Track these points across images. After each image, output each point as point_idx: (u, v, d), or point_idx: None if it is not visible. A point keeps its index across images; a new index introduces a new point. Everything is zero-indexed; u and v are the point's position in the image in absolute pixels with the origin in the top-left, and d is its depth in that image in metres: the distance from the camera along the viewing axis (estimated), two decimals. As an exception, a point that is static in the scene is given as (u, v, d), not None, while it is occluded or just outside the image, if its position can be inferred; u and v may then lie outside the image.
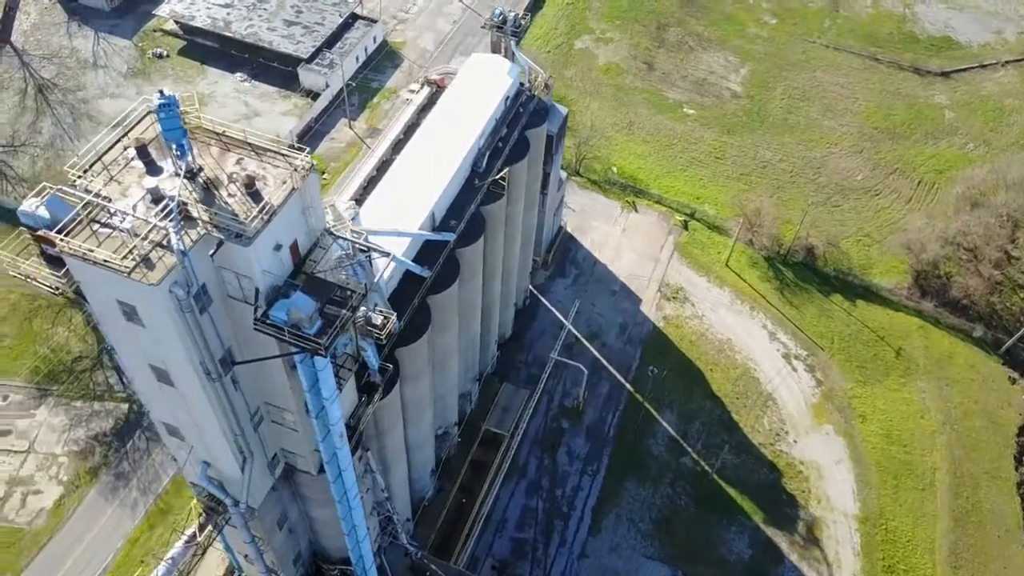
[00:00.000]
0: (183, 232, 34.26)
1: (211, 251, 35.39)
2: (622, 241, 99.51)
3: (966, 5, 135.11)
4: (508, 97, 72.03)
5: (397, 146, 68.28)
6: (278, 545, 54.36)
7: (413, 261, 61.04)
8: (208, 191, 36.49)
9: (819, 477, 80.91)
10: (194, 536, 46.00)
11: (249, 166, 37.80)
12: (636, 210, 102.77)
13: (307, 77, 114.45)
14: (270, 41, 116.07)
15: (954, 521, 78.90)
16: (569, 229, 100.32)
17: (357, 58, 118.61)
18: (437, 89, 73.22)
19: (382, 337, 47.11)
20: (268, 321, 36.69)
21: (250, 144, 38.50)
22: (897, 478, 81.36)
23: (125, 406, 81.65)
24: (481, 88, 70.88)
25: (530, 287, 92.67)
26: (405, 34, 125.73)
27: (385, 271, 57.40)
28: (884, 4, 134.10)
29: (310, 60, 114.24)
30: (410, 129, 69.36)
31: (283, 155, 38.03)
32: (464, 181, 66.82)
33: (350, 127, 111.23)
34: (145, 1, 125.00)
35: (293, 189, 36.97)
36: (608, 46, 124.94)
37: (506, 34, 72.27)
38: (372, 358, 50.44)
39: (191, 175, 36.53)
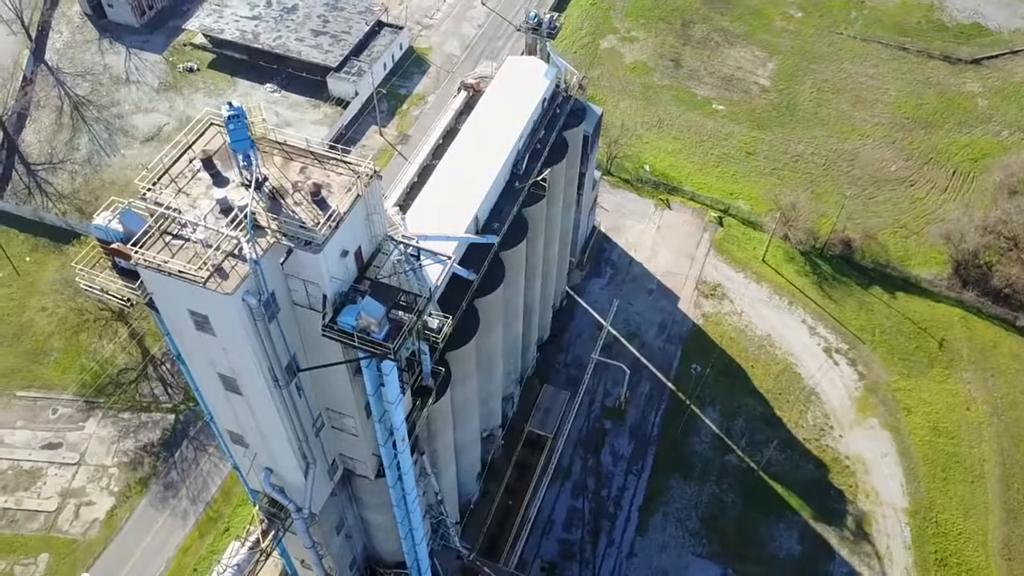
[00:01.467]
0: (255, 241, 34.70)
1: (281, 259, 35.80)
2: (657, 239, 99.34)
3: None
4: (545, 99, 72.20)
5: (437, 151, 68.62)
6: (336, 550, 54.83)
7: (460, 264, 61.61)
8: (275, 200, 36.96)
9: (866, 471, 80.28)
10: (258, 542, 46.38)
11: (313, 174, 38.23)
12: (670, 207, 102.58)
13: (336, 86, 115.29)
14: (298, 51, 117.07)
15: (1006, 513, 77.97)
16: (603, 229, 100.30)
17: (384, 65, 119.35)
18: (474, 93, 73.49)
19: (439, 340, 47.48)
20: (337, 327, 37.07)
21: (312, 153, 38.98)
22: (945, 471, 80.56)
23: (172, 416, 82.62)
24: (518, 90, 71.07)
25: (567, 288, 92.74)
26: (430, 40, 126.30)
27: (440, 276, 57.94)
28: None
29: (338, 69, 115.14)
30: (449, 134, 69.67)
31: (346, 163, 38.45)
32: (505, 184, 67.08)
33: (380, 134, 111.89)
34: (174, 16, 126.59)
35: (358, 196, 37.34)
36: (634, 45, 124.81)
37: (541, 36, 72.42)
38: (427, 362, 50.84)
39: (258, 185, 36.99)
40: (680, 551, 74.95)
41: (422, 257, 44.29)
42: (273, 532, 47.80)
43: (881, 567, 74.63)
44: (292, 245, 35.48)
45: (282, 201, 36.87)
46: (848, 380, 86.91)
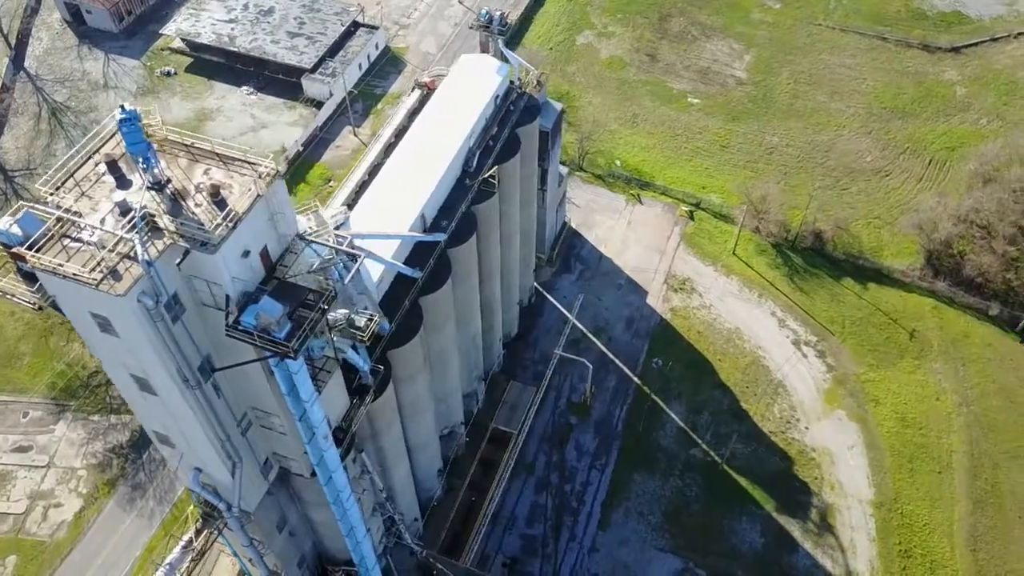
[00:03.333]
0: (149, 243, 35.04)
1: (177, 260, 36.11)
2: (628, 234, 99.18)
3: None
4: (498, 96, 72.27)
5: (388, 150, 68.94)
6: (279, 548, 55.18)
7: (405, 262, 61.83)
8: (176, 202, 37.27)
9: (832, 463, 79.90)
10: (190, 542, 46.80)
11: (216, 175, 38.51)
12: (641, 202, 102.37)
13: (311, 87, 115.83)
14: (274, 54, 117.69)
15: (973, 503, 77.39)
16: (573, 225, 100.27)
17: (360, 65, 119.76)
18: (428, 92, 73.71)
19: (365, 339, 47.74)
20: (240, 327, 37.36)
21: (217, 154, 39.22)
22: (913, 461, 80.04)
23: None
24: (470, 88, 71.24)
25: (535, 284, 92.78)
26: (407, 39, 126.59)
27: (375, 274, 58.23)
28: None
29: (313, 70, 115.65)
30: (401, 132, 69.95)
31: (249, 163, 38.69)
32: (455, 181, 67.24)
33: (354, 134, 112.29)
34: (153, 21, 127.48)
35: (258, 196, 37.59)
36: (610, 40, 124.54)
37: (492, 34, 72.52)
38: (360, 360, 51.11)
39: (159, 187, 37.32)
40: (642, 545, 74.91)
41: (342, 255, 44.51)
42: (207, 531, 48.13)
43: (844, 559, 74.29)
44: (188, 246, 35.76)
45: (183, 203, 37.17)
46: (817, 372, 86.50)
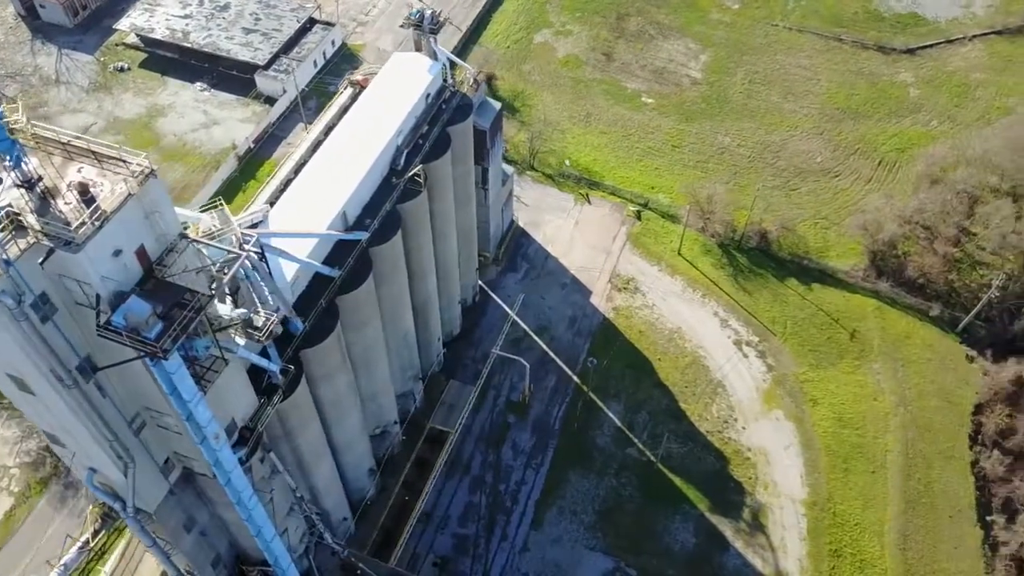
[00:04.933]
0: (10, 241, 34.66)
1: (40, 259, 35.74)
2: (575, 234, 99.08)
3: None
4: (429, 94, 72.02)
5: (316, 147, 68.56)
6: (188, 548, 54.84)
7: (325, 261, 61.58)
8: (45, 200, 36.88)
9: (767, 463, 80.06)
10: (87, 542, 46.42)
11: (89, 174, 38.13)
12: (589, 202, 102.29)
13: (264, 83, 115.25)
14: (228, 50, 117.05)
15: (905, 503, 77.66)
16: (521, 224, 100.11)
17: (315, 62, 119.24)
18: (360, 90, 73.35)
19: (262, 339, 47.49)
20: (110, 327, 37.02)
21: (93, 152, 38.79)
22: (847, 461, 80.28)
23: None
24: (401, 86, 70.98)
25: (479, 283, 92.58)
26: (364, 36, 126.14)
27: (290, 273, 57.90)
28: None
29: (267, 66, 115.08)
30: (330, 130, 69.58)
31: (123, 161, 38.30)
32: (382, 179, 66.99)
33: (307, 131, 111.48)
34: (109, 16, 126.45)
35: (129, 195, 37.23)
36: (568, 39, 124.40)
37: (424, 32, 72.12)
38: (263, 359, 50.82)
39: (29, 185, 36.92)
40: (573, 545, 74.88)
41: (245, 253, 44.26)
42: (104, 531, 47.75)
43: (775, 559, 74.47)
44: (52, 245, 35.40)
45: (52, 201, 36.79)
46: (756, 372, 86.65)
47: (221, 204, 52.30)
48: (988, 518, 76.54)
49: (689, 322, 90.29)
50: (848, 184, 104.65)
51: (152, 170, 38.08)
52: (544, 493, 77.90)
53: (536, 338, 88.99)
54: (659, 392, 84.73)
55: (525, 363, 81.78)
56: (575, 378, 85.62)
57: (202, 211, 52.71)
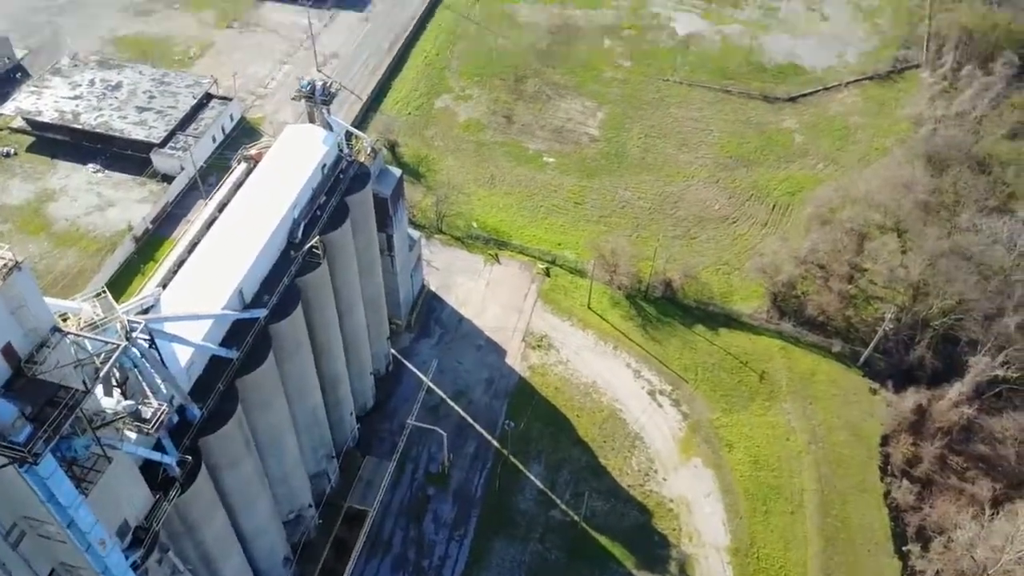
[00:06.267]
0: None
1: None
2: (486, 294, 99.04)
3: (808, 32, 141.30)
4: (325, 165, 71.48)
5: (211, 225, 66.77)
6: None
7: (223, 342, 59.42)
8: None
9: (689, 513, 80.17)
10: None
11: (-54, 273, 35.85)
12: (499, 262, 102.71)
13: (161, 161, 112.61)
14: (121, 129, 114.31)
15: (825, 541, 78.72)
16: (433, 287, 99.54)
17: (214, 138, 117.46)
18: (254, 164, 72.21)
19: (151, 432, 45.17)
20: (-27, 435, 34.42)
21: (-48, 248, 36.58)
22: (767, 503, 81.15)
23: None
24: (295, 159, 70.24)
25: (392, 352, 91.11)
26: (264, 109, 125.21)
27: (183, 358, 55.56)
28: (732, 38, 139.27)
29: (163, 144, 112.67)
30: (224, 207, 68.00)
31: (-16, 257, 36.21)
32: (280, 254, 65.59)
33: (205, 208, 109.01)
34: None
35: (-10, 292, 35.14)
36: (468, 103, 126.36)
37: (316, 103, 71.88)
38: (155, 453, 48.30)
39: None
40: (502, 616, 72.84)
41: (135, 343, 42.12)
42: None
43: (704, 610, 74.05)
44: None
45: (-96, 305, 34.33)
46: (672, 421, 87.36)
47: (104, 292, 50.09)
48: (904, 548, 78.16)
49: (603, 375, 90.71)
50: (745, 229, 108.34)
51: (17, 262, 36.14)
52: (469, 565, 75.82)
53: (453, 404, 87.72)
54: (578, 449, 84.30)
55: (442, 432, 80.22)
56: (494, 442, 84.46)
57: (83, 300, 50.31)
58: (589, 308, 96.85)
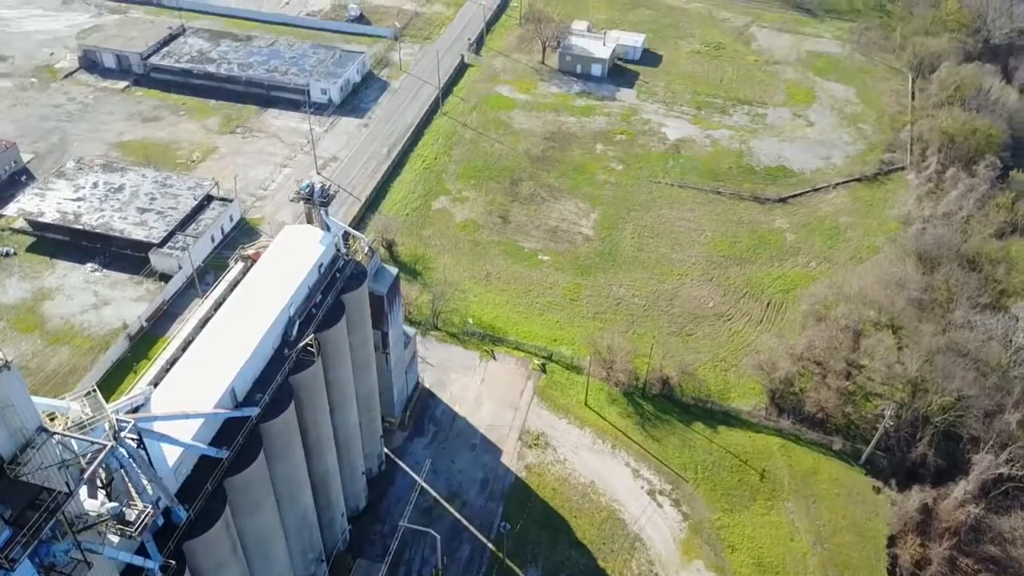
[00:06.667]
0: None
1: None
2: (482, 391, 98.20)
3: (795, 136, 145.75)
4: (322, 264, 72.16)
5: (205, 323, 66.84)
6: None
7: (214, 441, 58.49)
8: None
9: (693, 619, 77.13)
10: None
11: (-66, 369, 35.56)
12: (495, 358, 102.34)
13: (159, 261, 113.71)
14: (122, 229, 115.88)
15: (835, 649, 75.46)
16: (427, 384, 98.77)
17: (212, 238, 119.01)
18: (251, 264, 72.93)
19: (135, 535, 43.86)
20: (-51, 537, 33.34)
21: (-58, 345, 36.38)
22: (773, 609, 78.18)
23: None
24: (292, 258, 71.00)
25: (385, 451, 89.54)
26: (263, 210, 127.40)
27: (172, 457, 54.53)
28: (721, 142, 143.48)
29: (162, 244, 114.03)
30: (219, 305, 68.23)
31: (-29, 354, 36.00)
32: (274, 351, 65.42)
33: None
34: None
35: (-25, 390, 34.76)
36: (465, 204, 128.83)
37: (315, 204, 73.26)
38: (138, 558, 46.73)
39: None
40: None
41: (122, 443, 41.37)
42: None
43: None
44: None
45: None
46: (672, 522, 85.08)
47: (94, 390, 49.66)
48: (918, 656, 74.90)
49: (601, 475, 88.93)
50: (741, 326, 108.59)
51: (6, 362, 35.86)
52: (463, 677, 72.22)
53: (447, 505, 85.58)
54: (577, 552, 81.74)
55: (436, 534, 77.85)
56: (490, 545, 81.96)
57: (72, 399, 49.75)
58: (586, 405, 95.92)
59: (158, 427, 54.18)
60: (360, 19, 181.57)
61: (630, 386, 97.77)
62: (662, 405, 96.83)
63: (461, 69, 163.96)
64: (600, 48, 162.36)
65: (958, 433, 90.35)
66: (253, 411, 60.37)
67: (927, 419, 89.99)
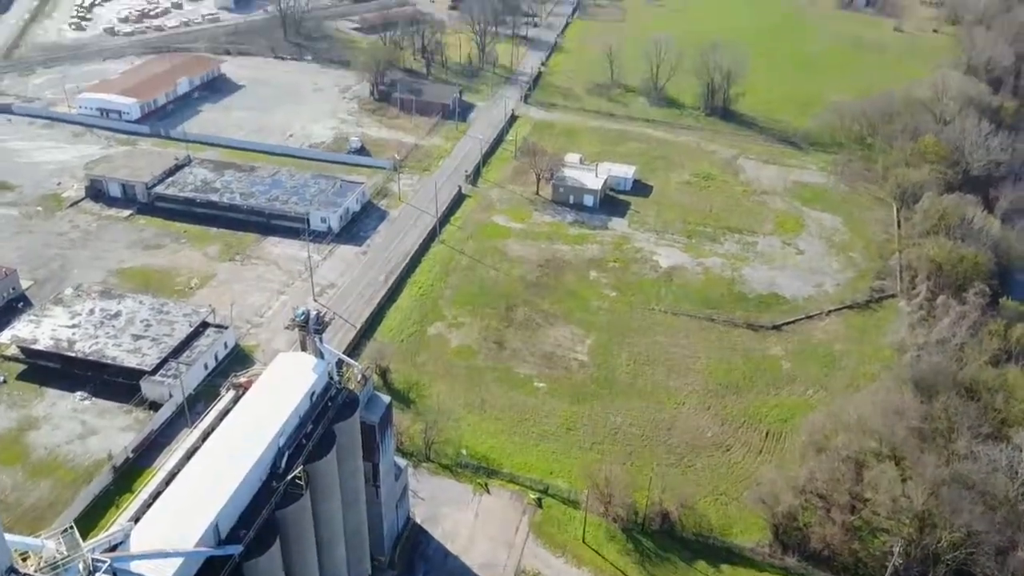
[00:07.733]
0: None
1: None
2: (475, 527, 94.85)
3: (786, 264, 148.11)
4: (314, 393, 71.34)
5: (192, 455, 65.25)
6: None
7: (193, 583, 55.82)
8: None
9: None
10: None
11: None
12: (489, 492, 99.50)
13: (150, 388, 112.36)
14: (114, 356, 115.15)
15: None
16: (418, 520, 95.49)
17: (206, 365, 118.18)
18: (243, 392, 72.06)
19: None
20: None
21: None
22: None
23: None
24: (284, 387, 70.30)
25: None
26: (259, 337, 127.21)
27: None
28: (713, 270, 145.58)
29: (154, 372, 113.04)
30: (207, 436, 66.85)
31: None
32: (261, 484, 63.56)
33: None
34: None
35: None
36: (460, 330, 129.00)
37: (309, 332, 73.16)
38: None
39: None
40: None
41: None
42: None
43: None
44: None
45: None
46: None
47: (71, 528, 47.74)
48: None
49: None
50: (740, 457, 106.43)
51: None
52: None
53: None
54: None
55: None
56: None
57: (48, 537, 47.77)
58: (584, 542, 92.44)
59: (135, 567, 51.93)
60: (361, 151, 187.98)
61: (629, 521, 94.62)
62: (662, 542, 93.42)
63: (458, 199, 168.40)
64: (592, 179, 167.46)
65: (971, 572, 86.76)
66: (236, 549, 58.04)
67: (937, 557, 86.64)
